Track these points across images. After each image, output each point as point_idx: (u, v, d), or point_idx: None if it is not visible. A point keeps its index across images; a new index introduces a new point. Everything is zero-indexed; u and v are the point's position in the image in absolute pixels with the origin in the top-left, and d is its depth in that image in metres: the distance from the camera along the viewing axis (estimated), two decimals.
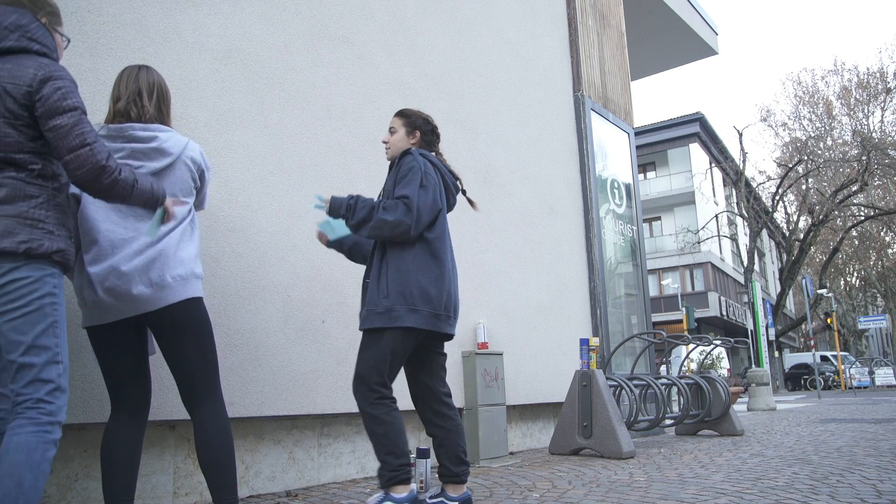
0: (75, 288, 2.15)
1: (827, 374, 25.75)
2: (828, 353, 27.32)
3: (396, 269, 2.49)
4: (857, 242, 30.67)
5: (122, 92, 2.20)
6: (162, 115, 2.25)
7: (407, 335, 2.47)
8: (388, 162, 2.82)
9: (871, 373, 23.35)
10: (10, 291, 1.74)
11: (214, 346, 2.25)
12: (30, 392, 1.74)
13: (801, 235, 25.46)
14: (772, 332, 21.72)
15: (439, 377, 2.68)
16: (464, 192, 2.83)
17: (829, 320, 23.61)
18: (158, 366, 2.72)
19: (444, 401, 2.66)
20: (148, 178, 2.02)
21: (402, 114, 2.80)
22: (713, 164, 29.72)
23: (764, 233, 32.97)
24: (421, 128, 2.78)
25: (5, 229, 1.74)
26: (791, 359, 28.58)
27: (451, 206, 2.77)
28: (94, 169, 1.80)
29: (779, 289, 28.25)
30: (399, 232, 2.47)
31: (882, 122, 26.35)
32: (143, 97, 2.20)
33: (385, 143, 2.81)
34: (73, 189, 2.07)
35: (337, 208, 2.57)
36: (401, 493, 2.42)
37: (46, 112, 1.78)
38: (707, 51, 10.22)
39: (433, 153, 2.79)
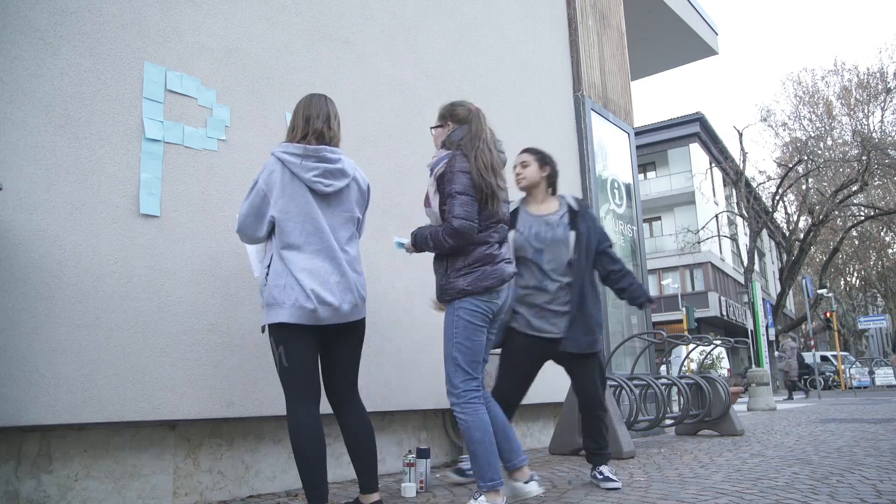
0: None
1: (827, 374, 25.74)
2: (828, 353, 27.32)
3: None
4: (857, 242, 30.67)
5: (314, 114, 2.49)
6: (337, 141, 2.57)
7: None
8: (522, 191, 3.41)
9: (871, 373, 23.34)
10: None
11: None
12: None
13: (801, 235, 25.45)
14: (772, 332, 21.72)
15: None
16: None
17: (829, 314, 23.61)
18: (161, 364, 2.73)
19: None
20: None
21: (530, 151, 3.46)
22: (713, 164, 29.72)
23: (764, 233, 32.96)
24: (551, 164, 3.40)
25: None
26: None
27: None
28: None
29: (779, 289, 28.23)
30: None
31: (882, 122, 26.35)
32: (331, 122, 2.52)
33: (518, 174, 3.38)
34: None
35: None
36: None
37: None
38: (707, 51, 10.22)
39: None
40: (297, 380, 2.37)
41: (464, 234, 2.47)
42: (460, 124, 2.69)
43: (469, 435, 2.47)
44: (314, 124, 2.47)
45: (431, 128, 2.83)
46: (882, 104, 26.08)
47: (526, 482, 2.65)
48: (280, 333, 2.36)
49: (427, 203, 2.64)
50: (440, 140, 2.75)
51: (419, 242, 2.66)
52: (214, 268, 2.99)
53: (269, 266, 2.39)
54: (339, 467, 3.55)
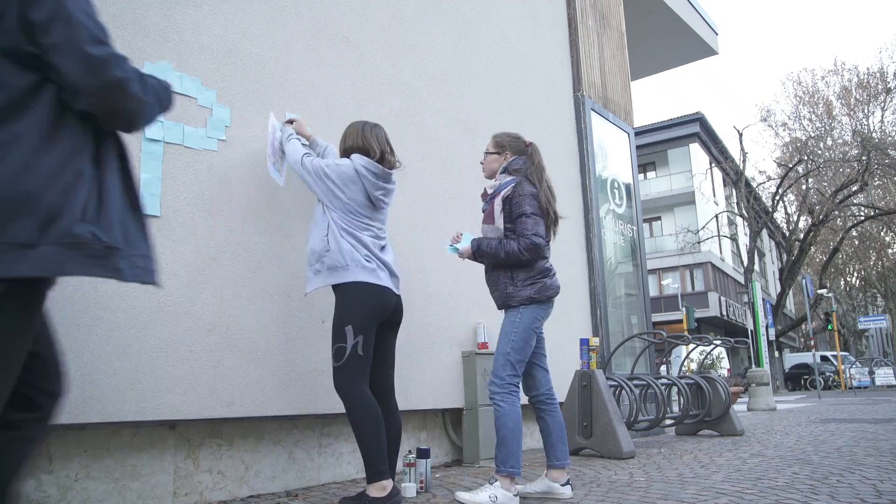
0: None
1: (827, 374, 25.74)
2: (828, 353, 27.31)
3: None
4: (857, 242, 30.67)
5: (385, 146, 2.92)
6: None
7: None
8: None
9: (871, 373, 23.34)
10: None
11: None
12: None
13: (801, 235, 25.46)
14: (772, 332, 21.72)
15: None
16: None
17: (829, 314, 23.61)
18: (161, 364, 2.73)
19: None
20: None
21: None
22: (713, 164, 29.73)
23: (764, 233, 32.97)
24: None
25: None
26: (791, 359, 28.58)
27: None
28: None
29: (779, 289, 28.25)
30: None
31: (882, 122, 26.37)
32: (392, 150, 2.97)
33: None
34: None
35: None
36: None
37: None
38: (707, 51, 10.22)
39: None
40: (367, 366, 2.67)
41: (539, 249, 2.85)
42: (517, 155, 3.07)
43: (503, 422, 2.77)
44: (384, 149, 2.89)
45: (486, 153, 3.14)
46: (882, 104, 26.11)
47: (562, 484, 2.92)
48: (360, 323, 2.68)
49: (490, 220, 2.95)
50: (494, 166, 3.10)
51: (484, 252, 2.94)
52: (214, 268, 2.99)
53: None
54: (339, 466, 3.55)
